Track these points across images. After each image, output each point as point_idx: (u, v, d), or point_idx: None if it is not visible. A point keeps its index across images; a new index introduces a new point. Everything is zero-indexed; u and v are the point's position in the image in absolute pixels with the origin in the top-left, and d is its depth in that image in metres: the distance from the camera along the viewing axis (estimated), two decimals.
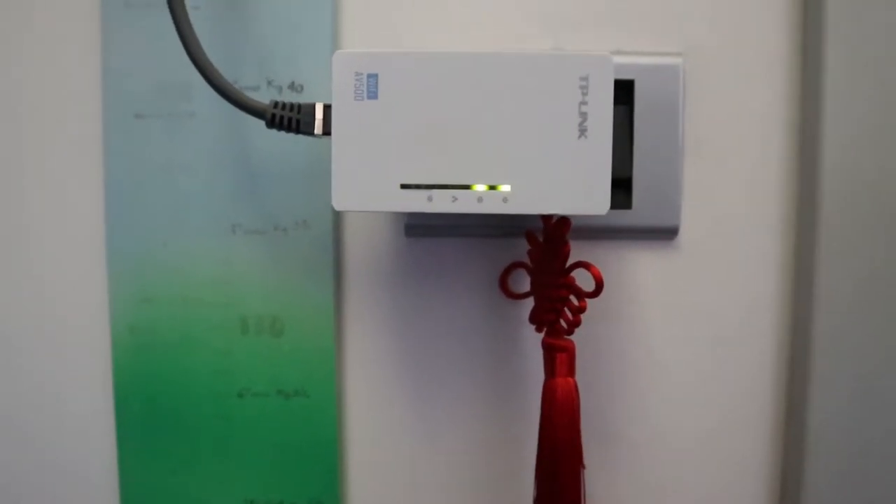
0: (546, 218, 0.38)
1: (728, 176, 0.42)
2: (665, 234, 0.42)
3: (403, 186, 0.33)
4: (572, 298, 0.37)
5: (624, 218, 0.41)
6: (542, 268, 0.39)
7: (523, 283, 0.41)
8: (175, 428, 0.43)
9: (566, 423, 0.38)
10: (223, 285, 0.42)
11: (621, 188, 0.41)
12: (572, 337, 0.38)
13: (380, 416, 0.43)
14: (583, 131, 0.33)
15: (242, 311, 0.42)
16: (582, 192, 0.33)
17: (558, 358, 0.38)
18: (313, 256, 0.41)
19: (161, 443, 0.43)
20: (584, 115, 0.33)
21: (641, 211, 0.41)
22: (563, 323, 0.38)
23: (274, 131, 0.35)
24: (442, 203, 0.33)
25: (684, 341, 0.42)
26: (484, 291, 0.42)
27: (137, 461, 0.43)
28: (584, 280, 0.37)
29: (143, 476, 0.43)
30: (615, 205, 0.40)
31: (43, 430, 0.44)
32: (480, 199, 0.33)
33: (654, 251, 0.42)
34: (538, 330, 0.39)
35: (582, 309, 0.37)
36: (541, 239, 0.39)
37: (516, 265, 0.41)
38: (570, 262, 0.37)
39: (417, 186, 0.33)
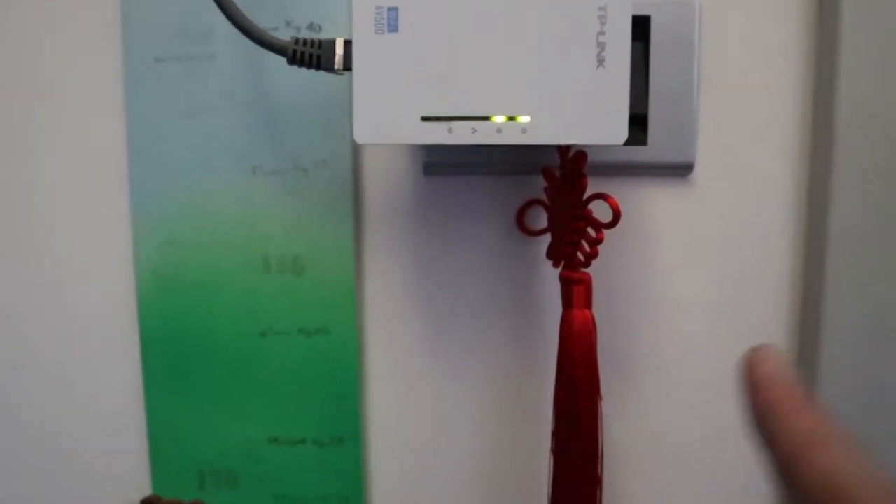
0: (563, 152, 0.38)
1: (743, 112, 0.42)
2: (680, 169, 0.42)
3: (424, 118, 0.33)
4: (590, 230, 0.38)
5: (640, 154, 0.41)
6: (559, 202, 0.39)
7: (540, 220, 0.42)
8: (199, 367, 0.44)
9: (583, 354, 0.38)
10: (245, 225, 0.43)
11: (637, 124, 0.41)
12: (589, 270, 0.38)
13: (400, 354, 0.44)
14: (601, 61, 0.33)
15: (264, 250, 0.43)
16: (600, 122, 0.33)
17: (575, 290, 0.38)
18: (333, 195, 0.42)
19: (186, 382, 0.44)
20: (602, 45, 0.33)
21: (657, 147, 0.41)
22: (580, 255, 0.38)
23: (294, 70, 0.36)
24: (462, 134, 0.33)
25: (699, 276, 0.43)
26: (501, 229, 0.43)
27: (163, 400, 0.44)
28: (601, 212, 0.37)
29: (169, 414, 0.44)
30: (631, 141, 0.41)
31: (71, 371, 0.45)
32: (499, 129, 0.33)
33: (669, 187, 0.42)
34: (555, 264, 0.40)
35: (599, 240, 0.38)
36: (558, 175, 0.39)
37: (533, 202, 0.42)
38: (588, 195, 0.38)
39: (438, 118, 0.33)
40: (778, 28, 0.41)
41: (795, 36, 0.41)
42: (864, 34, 0.39)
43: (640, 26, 0.40)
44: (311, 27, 0.41)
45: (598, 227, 0.38)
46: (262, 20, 0.41)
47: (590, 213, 0.38)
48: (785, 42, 0.41)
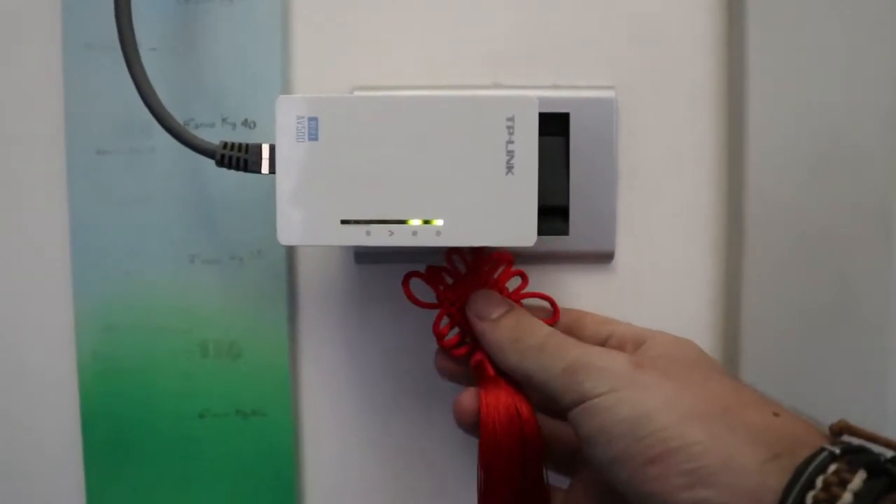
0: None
1: (661, 202, 0.44)
2: (601, 258, 0.44)
3: (343, 222, 0.35)
4: None
5: (561, 244, 0.43)
6: (469, 284, 0.40)
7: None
8: (140, 448, 0.45)
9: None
10: (183, 312, 0.44)
11: (558, 215, 0.43)
12: None
13: (335, 434, 0.46)
14: (510, 168, 0.35)
15: (202, 335, 0.44)
16: (510, 225, 0.35)
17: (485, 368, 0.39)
18: (268, 284, 0.44)
19: (126, 463, 0.45)
20: (510, 154, 0.35)
21: (578, 237, 0.43)
22: None
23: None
24: (379, 237, 0.35)
25: None
26: (429, 312, 0.44)
27: (103, 481, 0.45)
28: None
29: (108, 496, 0.45)
30: (553, 231, 0.43)
31: (11, 454, 0.46)
32: (415, 232, 0.35)
33: (590, 275, 0.44)
34: (445, 344, 0.39)
35: None
36: (462, 270, 0.40)
37: (414, 274, 0.41)
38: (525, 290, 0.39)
39: (357, 222, 0.35)
40: (691, 123, 0.44)
41: (708, 130, 0.44)
42: (769, 130, 0.42)
43: (560, 122, 0.42)
44: (245, 123, 0.43)
45: None
46: (199, 116, 0.43)
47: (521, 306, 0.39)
48: (698, 136, 0.44)
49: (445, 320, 0.40)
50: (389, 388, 0.45)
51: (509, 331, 0.37)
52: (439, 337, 0.40)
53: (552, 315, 0.40)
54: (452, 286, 0.41)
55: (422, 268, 0.43)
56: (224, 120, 0.43)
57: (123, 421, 0.45)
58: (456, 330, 0.40)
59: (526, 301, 0.40)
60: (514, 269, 0.40)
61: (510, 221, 0.35)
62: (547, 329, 0.37)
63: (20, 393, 0.46)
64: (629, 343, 0.37)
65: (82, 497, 0.45)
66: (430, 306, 0.41)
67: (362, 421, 0.45)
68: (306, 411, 0.45)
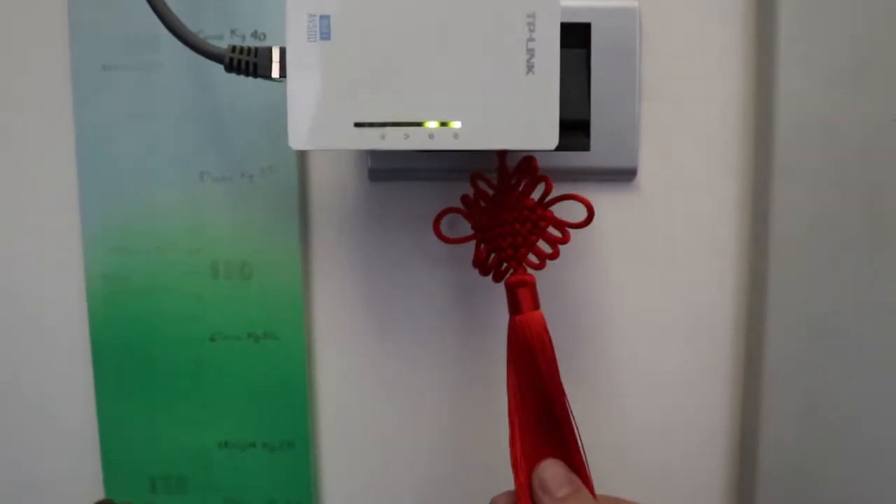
0: (501, 157, 0.39)
1: (685, 117, 0.42)
2: (623, 175, 0.43)
3: (357, 125, 0.34)
4: (552, 230, 0.38)
5: (582, 160, 0.42)
6: (498, 207, 0.39)
7: (459, 228, 0.41)
8: (150, 372, 0.44)
9: (548, 355, 0.38)
10: (193, 232, 0.43)
11: (579, 130, 0.41)
12: (533, 275, 0.38)
13: (349, 357, 0.45)
14: (530, 67, 0.33)
15: (212, 256, 0.43)
16: (530, 128, 0.34)
17: (523, 293, 0.38)
18: (279, 202, 0.42)
19: (137, 387, 0.44)
20: (531, 52, 0.33)
21: (600, 153, 0.42)
22: (532, 258, 0.38)
23: (239, 79, 0.36)
24: (394, 140, 0.34)
25: (644, 281, 0.43)
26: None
27: (115, 405, 0.44)
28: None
29: (120, 420, 0.44)
30: (573, 147, 0.41)
31: (22, 376, 0.45)
32: (432, 135, 0.34)
33: (612, 192, 0.43)
34: (484, 272, 0.39)
35: (565, 240, 0.38)
36: (494, 181, 0.39)
37: (449, 210, 0.40)
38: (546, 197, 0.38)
39: (371, 124, 0.34)
40: (717, 34, 0.42)
41: (735, 42, 0.42)
42: (801, 42, 0.40)
43: (581, 33, 0.41)
44: (255, 35, 0.41)
45: (564, 227, 0.38)
46: (208, 28, 0.41)
47: (552, 214, 0.38)
48: (725, 48, 0.42)
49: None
50: (403, 309, 0.44)
51: None
52: (482, 267, 0.40)
53: (587, 217, 0.38)
54: (483, 211, 0.39)
55: (437, 187, 0.42)
56: (233, 32, 0.41)
57: (133, 345, 0.44)
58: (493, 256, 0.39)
59: (555, 207, 0.38)
60: (539, 175, 0.38)
61: (530, 123, 0.34)
62: None
63: (29, 318, 0.45)
64: None
65: (94, 422, 0.45)
66: (463, 240, 0.40)
67: (376, 343, 0.44)
68: (319, 334, 0.44)
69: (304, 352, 0.44)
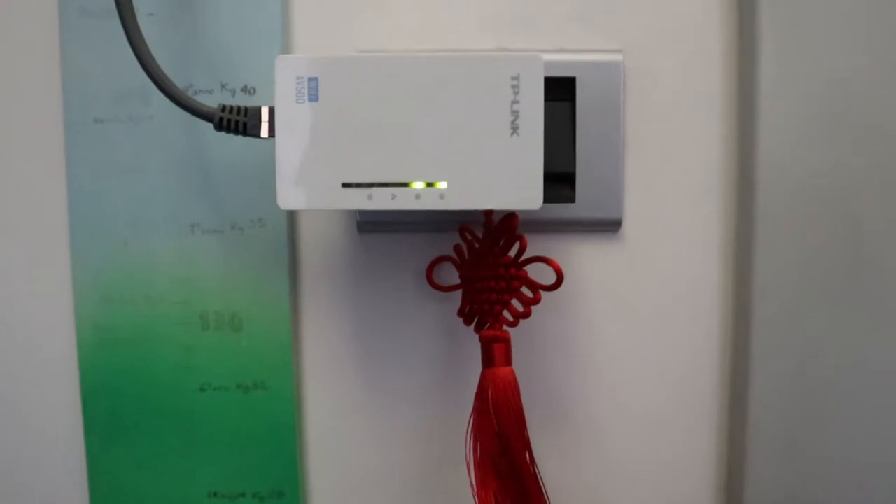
0: (486, 212, 0.39)
1: (669, 169, 0.43)
2: (608, 226, 0.43)
3: (345, 185, 0.34)
4: (525, 291, 0.39)
5: (568, 211, 0.42)
6: (481, 262, 0.40)
7: (451, 276, 0.42)
8: (140, 422, 0.44)
9: (513, 410, 0.39)
10: (183, 283, 0.43)
11: (565, 182, 0.42)
12: (514, 328, 0.39)
13: (336, 407, 0.45)
14: (515, 129, 0.34)
15: (202, 307, 0.43)
16: (515, 188, 0.34)
17: (496, 348, 0.39)
18: (270, 254, 0.43)
19: (127, 436, 0.44)
20: (515, 114, 0.34)
21: (585, 204, 0.42)
22: (507, 315, 0.39)
23: (226, 134, 0.37)
24: (382, 200, 0.34)
25: (629, 330, 0.44)
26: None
27: (105, 455, 0.44)
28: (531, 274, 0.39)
29: (110, 469, 0.45)
30: (559, 199, 0.42)
31: (12, 425, 0.45)
32: (418, 195, 0.34)
33: (598, 243, 0.43)
34: (467, 322, 0.40)
35: (536, 301, 0.39)
36: (480, 234, 0.40)
37: (441, 259, 0.42)
38: (524, 256, 0.39)
39: (358, 185, 0.34)
40: (700, 88, 0.43)
41: (717, 96, 0.43)
42: (781, 96, 0.41)
43: (567, 87, 0.42)
44: (245, 90, 0.42)
45: (536, 288, 0.38)
46: (198, 83, 0.42)
47: (525, 273, 0.39)
48: (707, 102, 0.43)
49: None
50: (392, 359, 0.44)
51: None
52: (464, 318, 0.41)
53: (556, 280, 0.39)
54: (468, 263, 0.40)
55: (424, 238, 0.43)
56: (224, 86, 0.42)
57: (124, 394, 0.44)
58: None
59: (529, 267, 0.39)
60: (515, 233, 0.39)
61: (516, 183, 0.34)
62: None
63: (20, 366, 0.45)
64: None
65: (83, 470, 0.45)
66: (451, 289, 0.41)
67: (365, 393, 0.45)
68: (308, 384, 0.45)
69: (293, 402, 0.44)
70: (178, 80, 0.39)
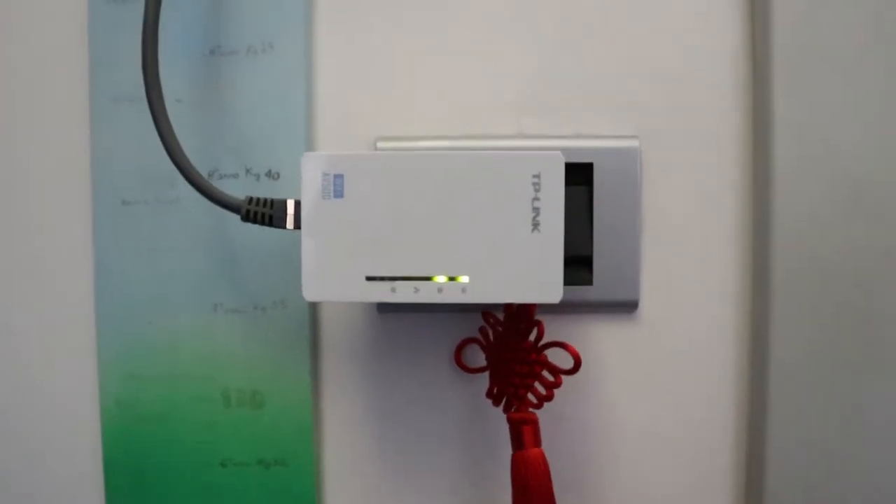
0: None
1: (685, 251, 0.44)
2: (625, 308, 0.44)
3: (369, 278, 0.35)
4: (546, 374, 0.39)
5: (585, 293, 0.43)
6: (504, 346, 0.41)
7: (478, 357, 0.43)
8: (162, 496, 0.45)
9: (544, 492, 0.39)
10: (206, 361, 0.44)
11: (582, 265, 0.43)
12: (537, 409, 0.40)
13: (356, 486, 0.45)
14: (536, 225, 0.35)
15: (224, 384, 0.44)
16: (536, 283, 0.35)
17: (525, 430, 0.40)
18: (291, 333, 0.44)
19: None
20: (536, 210, 0.35)
21: (602, 286, 0.43)
22: (531, 398, 0.40)
23: None
24: (405, 293, 0.35)
25: (648, 408, 0.44)
26: (454, 364, 0.44)
27: None
28: (553, 356, 0.39)
29: None
30: (576, 281, 0.42)
31: (36, 498, 0.46)
32: (441, 289, 0.35)
33: (615, 325, 0.44)
34: (496, 403, 0.41)
35: (557, 384, 0.39)
36: (501, 318, 0.41)
37: (469, 341, 0.43)
38: (543, 341, 0.39)
39: (381, 278, 0.35)
40: (716, 172, 0.43)
41: (733, 180, 0.43)
42: (795, 180, 0.41)
43: (584, 172, 0.42)
44: (269, 174, 0.43)
45: (556, 372, 0.39)
46: (223, 167, 0.43)
47: (545, 358, 0.39)
48: (723, 185, 0.43)
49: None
50: (412, 439, 0.45)
51: None
52: (492, 399, 0.42)
53: (574, 365, 0.39)
54: (492, 346, 0.41)
55: (445, 319, 0.44)
56: (248, 171, 0.43)
57: (146, 468, 0.45)
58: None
59: (550, 350, 0.40)
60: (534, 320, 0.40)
61: (536, 278, 0.35)
62: None
63: (45, 440, 0.46)
64: None
65: None
66: (478, 371, 0.42)
67: (385, 472, 0.45)
68: (329, 462, 0.45)
69: (313, 479, 0.44)
70: (204, 164, 0.41)
